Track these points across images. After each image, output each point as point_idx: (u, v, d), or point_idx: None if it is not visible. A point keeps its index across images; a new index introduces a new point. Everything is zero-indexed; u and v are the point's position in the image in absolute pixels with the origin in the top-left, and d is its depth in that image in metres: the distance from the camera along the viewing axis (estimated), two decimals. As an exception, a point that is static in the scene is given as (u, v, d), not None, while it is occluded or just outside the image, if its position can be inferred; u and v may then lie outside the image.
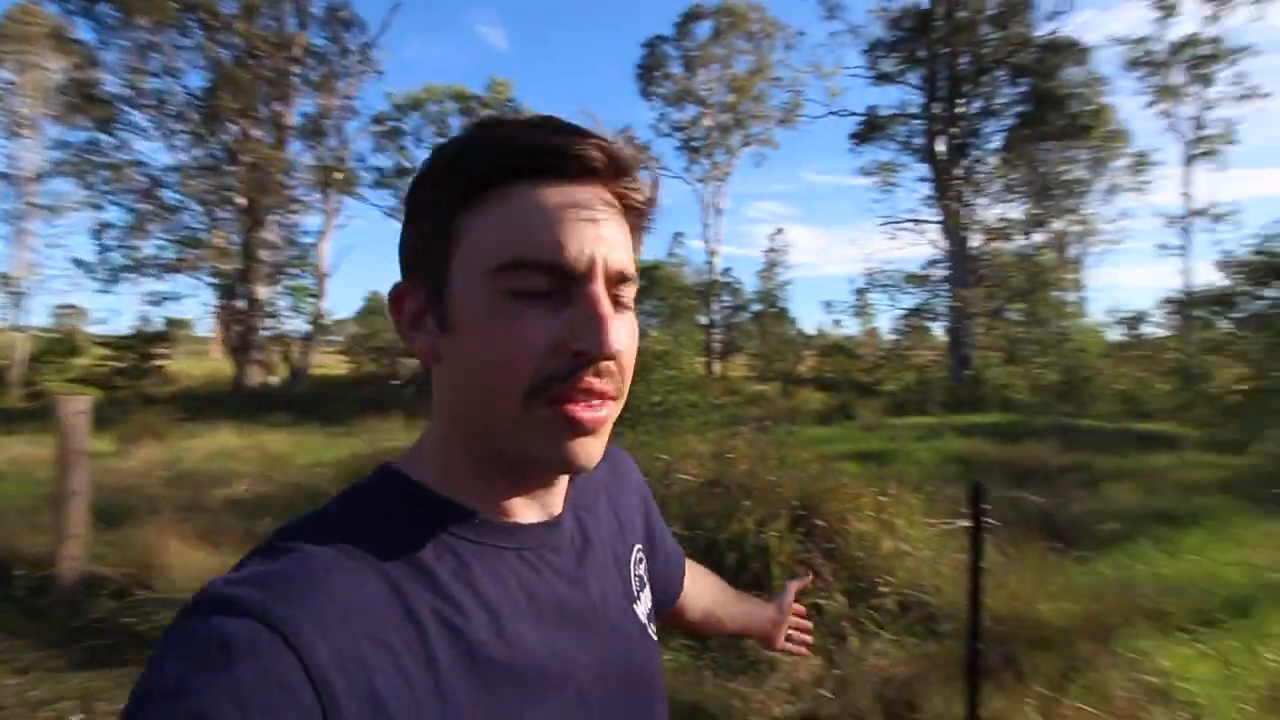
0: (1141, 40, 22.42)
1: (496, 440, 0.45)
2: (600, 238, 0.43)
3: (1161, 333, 20.01)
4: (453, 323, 0.44)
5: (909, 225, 19.95)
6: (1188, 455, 7.58)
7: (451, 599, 0.42)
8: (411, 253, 0.47)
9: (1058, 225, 26.66)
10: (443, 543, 0.44)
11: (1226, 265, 12.17)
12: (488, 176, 0.43)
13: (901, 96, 19.75)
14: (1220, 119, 21.95)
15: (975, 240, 19.33)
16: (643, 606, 0.57)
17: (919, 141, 19.35)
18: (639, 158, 0.46)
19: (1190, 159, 22.55)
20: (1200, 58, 21.13)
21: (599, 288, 0.43)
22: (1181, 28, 23.84)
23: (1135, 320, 21.21)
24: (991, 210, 20.47)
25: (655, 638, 0.57)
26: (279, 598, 0.36)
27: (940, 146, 18.82)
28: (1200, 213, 22.60)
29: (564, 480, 0.51)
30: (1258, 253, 10.79)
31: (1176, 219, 22.98)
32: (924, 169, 19.42)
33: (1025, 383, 16.08)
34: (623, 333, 0.44)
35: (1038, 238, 21.41)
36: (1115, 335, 21.66)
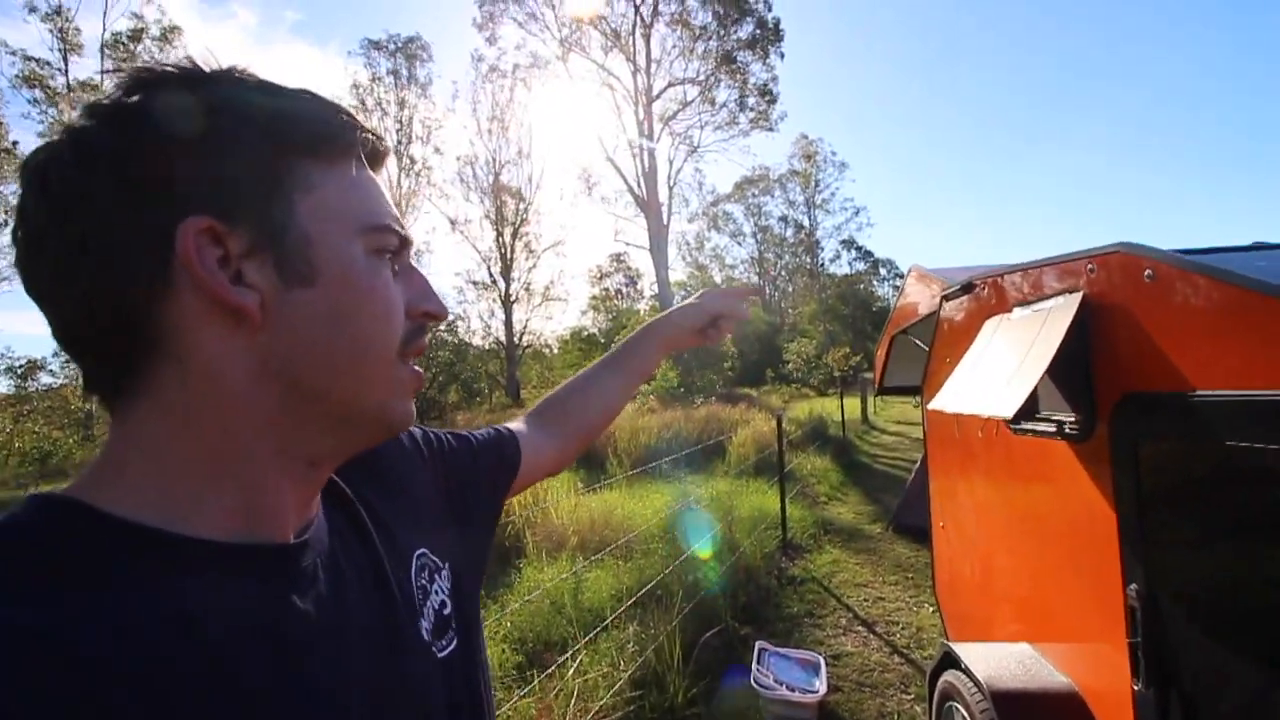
0: (38, 62, 20.63)
1: (355, 403, 0.43)
2: None
3: (62, 382, 18.51)
4: (312, 275, 0.41)
5: None
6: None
7: (168, 668, 0.34)
8: (222, 187, 0.39)
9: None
10: (150, 594, 0.35)
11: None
12: (335, 140, 0.43)
13: None
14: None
15: None
16: (427, 621, 0.54)
17: None
18: None
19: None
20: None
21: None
22: (84, 68, 23.17)
23: (30, 369, 18.78)
24: None
25: (445, 653, 0.54)
26: None
27: None
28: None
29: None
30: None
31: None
32: None
33: None
34: None
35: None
36: (4, 388, 18.52)
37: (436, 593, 0.57)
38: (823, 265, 45.08)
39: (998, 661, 1.77)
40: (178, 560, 0.37)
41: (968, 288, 2.22)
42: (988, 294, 2.06)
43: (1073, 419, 1.56)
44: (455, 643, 0.56)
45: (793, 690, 2.67)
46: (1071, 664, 1.63)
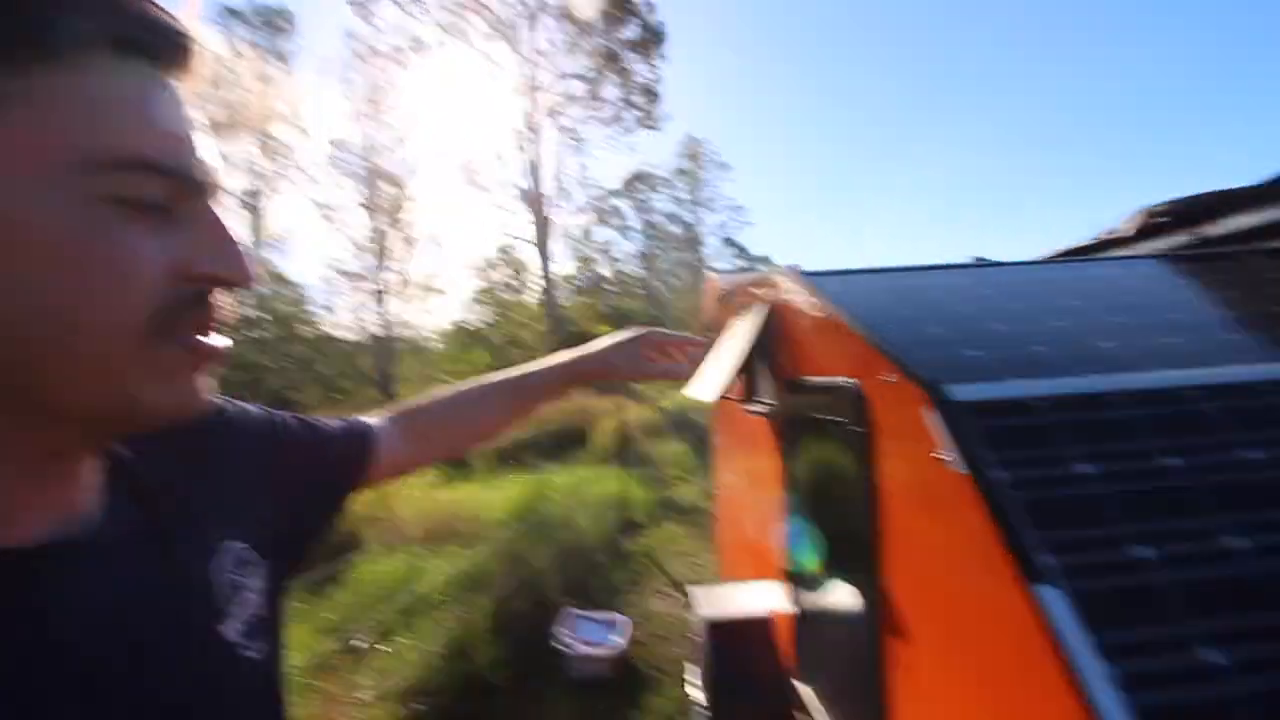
0: None
1: (74, 396, 0.34)
2: (205, 147, 0.37)
3: None
4: None
5: None
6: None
7: None
8: None
9: None
10: None
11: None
12: (41, 35, 0.31)
13: None
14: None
15: None
16: (236, 622, 0.47)
17: None
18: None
19: None
20: None
21: (217, 206, 0.38)
22: None
23: None
24: None
25: (257, 655, 0.48)
26: None
27: None
28: None
29: (94, 468, 0.41)
30: None
31: None
32: None
33: None
34: None
35: None
36: None
37: (251, 590, 0.51)
38: (705, 261, 47.05)
39: (719, 598, 2.18)
40: None
41: (728, 295, 2.63)
42: (735, 299, 2.48)
43: (773, 401, 1.97)
44: (268, 644, 0.51)
45: (590, 645, 3.00)
46: (767, 596, 2.05)
